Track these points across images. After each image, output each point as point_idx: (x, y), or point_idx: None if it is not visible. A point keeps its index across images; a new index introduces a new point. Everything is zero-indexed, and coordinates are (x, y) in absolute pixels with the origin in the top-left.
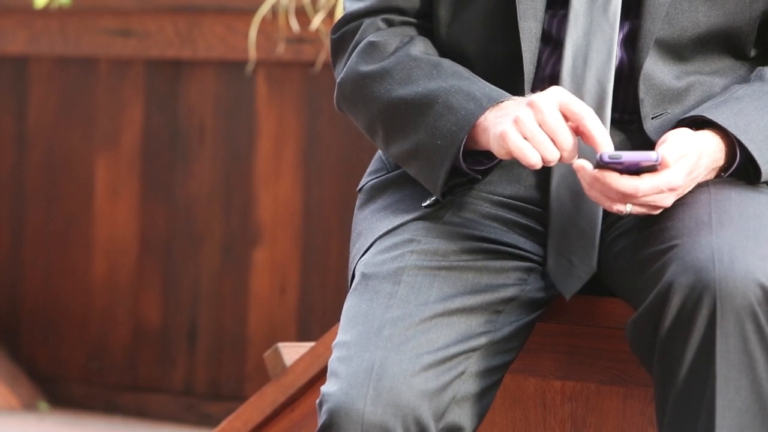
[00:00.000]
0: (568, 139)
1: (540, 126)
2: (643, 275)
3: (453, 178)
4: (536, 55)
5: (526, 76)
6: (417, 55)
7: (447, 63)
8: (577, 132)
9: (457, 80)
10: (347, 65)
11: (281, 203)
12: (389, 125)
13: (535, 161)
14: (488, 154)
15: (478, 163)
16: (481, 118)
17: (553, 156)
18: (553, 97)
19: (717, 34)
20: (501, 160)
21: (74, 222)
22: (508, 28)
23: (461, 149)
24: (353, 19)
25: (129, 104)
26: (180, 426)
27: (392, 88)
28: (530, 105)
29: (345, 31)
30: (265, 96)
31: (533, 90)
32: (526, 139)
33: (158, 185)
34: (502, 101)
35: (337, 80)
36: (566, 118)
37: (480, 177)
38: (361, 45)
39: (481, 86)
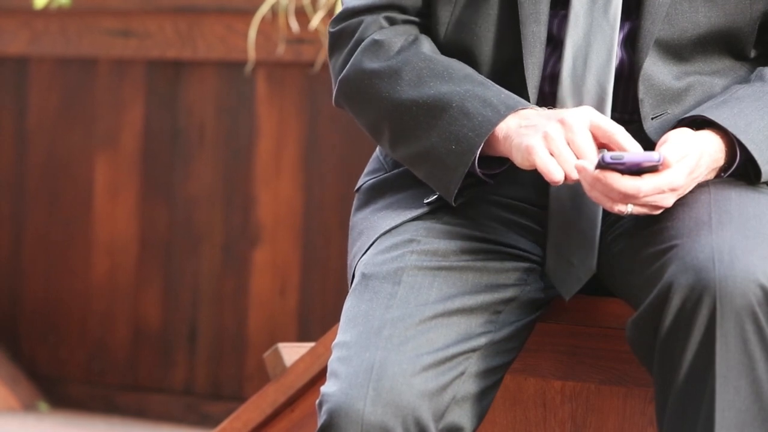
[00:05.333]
0: (594, 161)
1: (568, 144)
2: (643, 275)
3: (462, 181)
4: (541, 59)
5: (529, 81)
6: (426, 54)
7: (457, 65)
8: (607, 148)
9: (471, 85)
10: (351, 63)
11: (281, 203)
12: (398, 127)
13: (558, 178)
14: (499, 159)
15: (488, 167)
16: (501, 125)
17: (576, 175)
18: (585, 116)
19: (717, 35)
20: (510, 165)
21: (74, 222)
22: (511, 30)
23: (477, 156)
24: (353, 14)
25: (129, 104)
26: (180, 426)
27: (401, 88)
28: (561, 122)
29: (345, 26)
30: (265, 96)
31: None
32: (552, 155)
33: (158, 185)
34: (519, 109)
35: (338, 77)
36: (596, 137)
37: (491, 182)
38: (365, 43)
39: (496, 92)
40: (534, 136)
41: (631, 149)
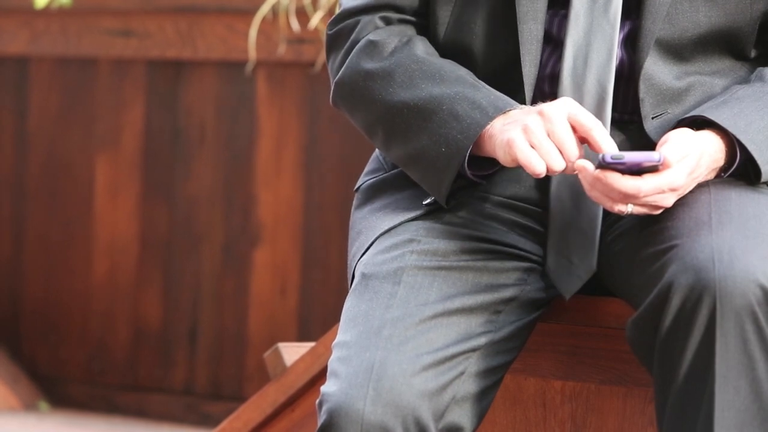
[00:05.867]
0: (574, 150)
1: (548, 135)
2: (643, 275)
3: (455, 182)
4: (538, 57)
5: (525, 78)
6: (418, 56)
7: (449, 66)
8: (584, 143)
9: (461, 87)
10: (346, 64)
11: (282, 203)
12: (390, 128)
13: (540, 170)
14: (491, 160)
15: (480, 168)
16: (487, 127)
17: (558, 166)
18: (563, 108)
19: (717, 35)
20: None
21: (75, 222)
22: (509, 29)
23: (466, 158)
24: (350, 15)
25: (129, 104)
26: (180, 426)
27: (394, 90)
28: (540, 114)
29: (342, 27)
30: (266, 96)
31: (534, 89)
32: (533, 147)
33: (159, 185)
34: (508, 110)
35: (335, 78)
36: (574, 130)
37: (484, 182)
38: (361, 44)
39: (486, 93)
40: (514, 130)
41: (606, 146)
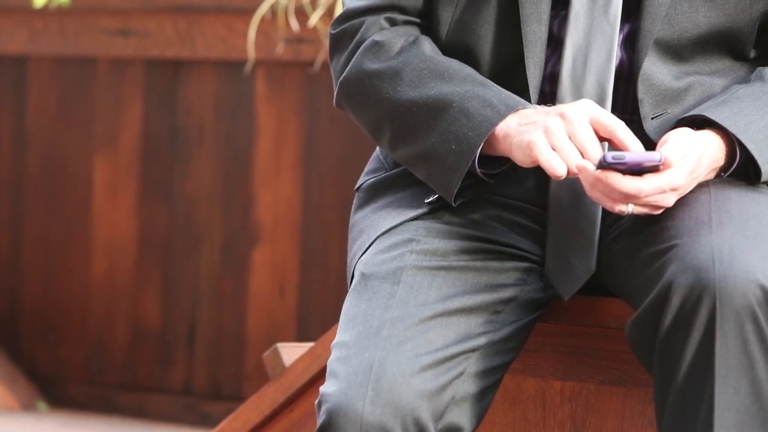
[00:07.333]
0: (597, 153)
1: (570, 138)
2: (643, 275)
3: (462, 181)
4: (542, 58)
5: (530, 80)
6: (426, 55)
7: (457, 65)
8: (609, 143)
9: (471, 85)
10: (351, 64)
11: (281, 203)
12: (398, 127)
13: (561, 172)
14: (499, 160)
15: (489, 167)
16: (501, 125)
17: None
18: (585, 110)
19: (717, 35)
20: (511, 164)
21: (73, 222)
22: (512, 30)
23: (477, 155)
24: (355, 15)
25: (128, 104)
26: (179, 426)
27: (402, 89)
28: (561, 116)
29: (346, 27)
30: (265, 96)
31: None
32: (554, 149)
33: (158, 185)
34: (519, 109)
35: (339, 78)
36: (596, 131)
37: (492, 182)
38: (366, 44)
39: (497, 92)
40: (535, 132)
41: (632, 144)
